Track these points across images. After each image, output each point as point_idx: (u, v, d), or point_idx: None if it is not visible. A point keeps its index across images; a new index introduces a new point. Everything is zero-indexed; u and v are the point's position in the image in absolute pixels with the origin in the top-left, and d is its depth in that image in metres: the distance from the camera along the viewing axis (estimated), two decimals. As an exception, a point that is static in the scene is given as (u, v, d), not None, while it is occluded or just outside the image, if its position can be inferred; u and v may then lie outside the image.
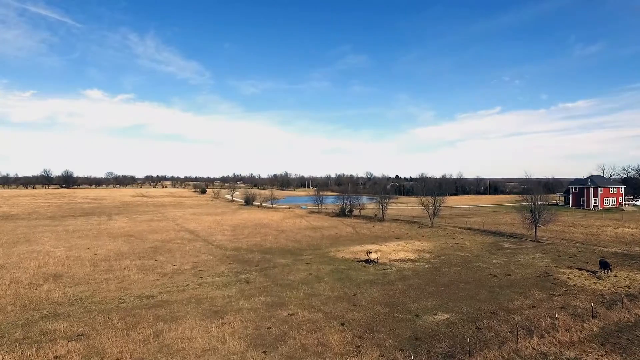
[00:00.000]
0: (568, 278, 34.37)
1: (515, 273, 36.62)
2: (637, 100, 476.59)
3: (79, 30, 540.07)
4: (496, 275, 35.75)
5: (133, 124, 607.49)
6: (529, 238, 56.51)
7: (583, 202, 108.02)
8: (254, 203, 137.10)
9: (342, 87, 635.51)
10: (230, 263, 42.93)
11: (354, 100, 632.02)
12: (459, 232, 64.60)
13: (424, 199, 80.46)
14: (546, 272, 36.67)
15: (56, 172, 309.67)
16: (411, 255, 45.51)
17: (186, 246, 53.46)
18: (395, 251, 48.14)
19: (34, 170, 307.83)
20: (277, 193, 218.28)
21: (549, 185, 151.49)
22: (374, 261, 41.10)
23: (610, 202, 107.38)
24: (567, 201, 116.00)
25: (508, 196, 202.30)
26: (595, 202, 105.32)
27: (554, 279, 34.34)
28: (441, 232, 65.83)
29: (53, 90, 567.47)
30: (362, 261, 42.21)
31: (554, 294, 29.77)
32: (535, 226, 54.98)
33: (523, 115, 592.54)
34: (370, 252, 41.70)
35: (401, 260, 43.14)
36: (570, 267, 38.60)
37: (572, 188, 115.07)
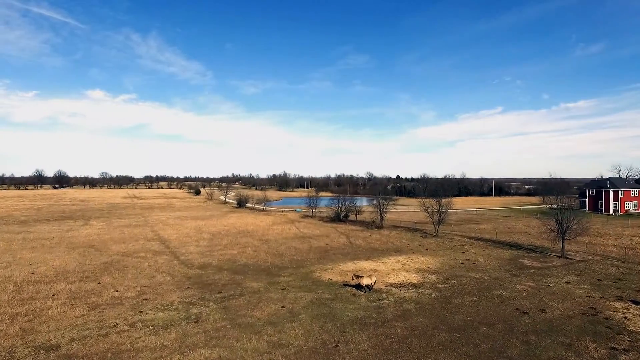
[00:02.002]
0: (625, 318, 25.66)
1: (551, 308, 27.92)
2: (638, 100, 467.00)
3: (82, 31, 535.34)
4: (527, 312, 27.04)
5: (134, 124, 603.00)
6: (553, 253, 47.74)
7: (601, 207, 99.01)
8: (247, 205, 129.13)
9: (343, 87, 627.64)
10: (188, 288, 34.45)
11: (355, 100, 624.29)
12: (468, 244, 55.86)
13: (426, 201, 71.81)
14: (592, 307, 27.98)
15: (53, 172, 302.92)
16: (413, 278, 36.87)
17: (146, 261, 45.07)
18: (395, 271, 39.50)
19: (33, 171, 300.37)
20: (273, 194, 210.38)
21: (556, 187, 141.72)
22: (368, 287, 32.53)
23: (631, 206, 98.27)
24: (582, 205, 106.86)
25: (514, 198, 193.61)
26: (615, 207, 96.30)
27: (606, 318, 25.64)
28: (448, 243, 57.17)
29: (55, 91, 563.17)
30: (352, 286, 33.65)
31: (616, 349, 21.11)
32: (563, 239, 46.03)
33: (524, 115, 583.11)
34: (361, 277, 33.06)
35: (401, 285, 34.50)
36: (621, 299, 29.88)
37: (588, 190, 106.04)
